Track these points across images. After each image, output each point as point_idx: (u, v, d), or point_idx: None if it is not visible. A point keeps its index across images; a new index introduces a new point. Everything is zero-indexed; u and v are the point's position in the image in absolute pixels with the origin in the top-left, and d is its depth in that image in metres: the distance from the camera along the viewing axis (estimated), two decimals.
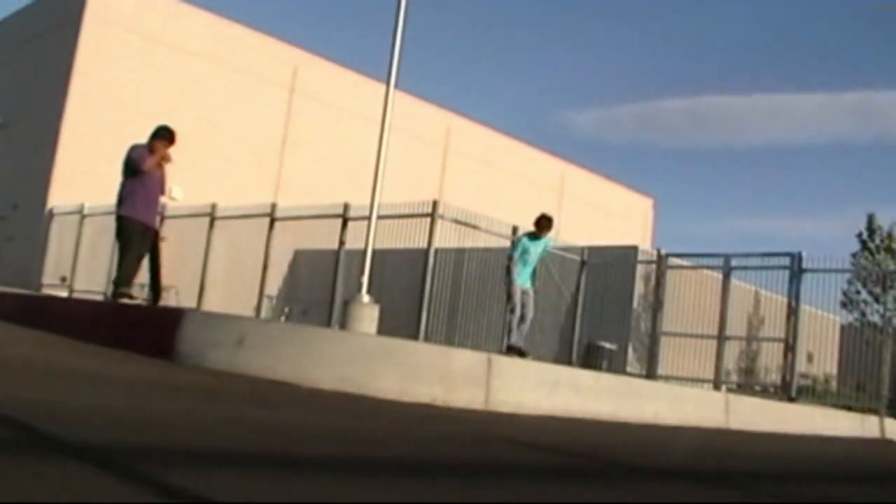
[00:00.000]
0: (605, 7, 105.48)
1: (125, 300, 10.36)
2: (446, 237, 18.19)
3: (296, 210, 21.85)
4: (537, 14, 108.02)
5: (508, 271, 14.17)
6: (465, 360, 8.77)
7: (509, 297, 14.19)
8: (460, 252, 19.31)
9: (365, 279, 13.69)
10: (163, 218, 25.02)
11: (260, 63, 34.81)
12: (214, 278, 23.56)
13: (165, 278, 11.35)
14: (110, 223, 25.63)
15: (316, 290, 20.58)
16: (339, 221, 19.96)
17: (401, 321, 16.93)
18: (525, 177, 41.74)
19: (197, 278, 23.29)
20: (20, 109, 33.20)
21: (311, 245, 21.48)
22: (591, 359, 18.42)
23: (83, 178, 29.15)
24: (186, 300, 21.72)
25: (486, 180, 39.08)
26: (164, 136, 10.94)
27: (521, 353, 13.16)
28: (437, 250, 17.77)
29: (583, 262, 20.11)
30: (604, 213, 43.99)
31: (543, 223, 14.23)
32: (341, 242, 19.83)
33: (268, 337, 8.63)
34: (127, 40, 31.39)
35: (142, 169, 10.73)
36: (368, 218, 14.32)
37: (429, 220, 17.79)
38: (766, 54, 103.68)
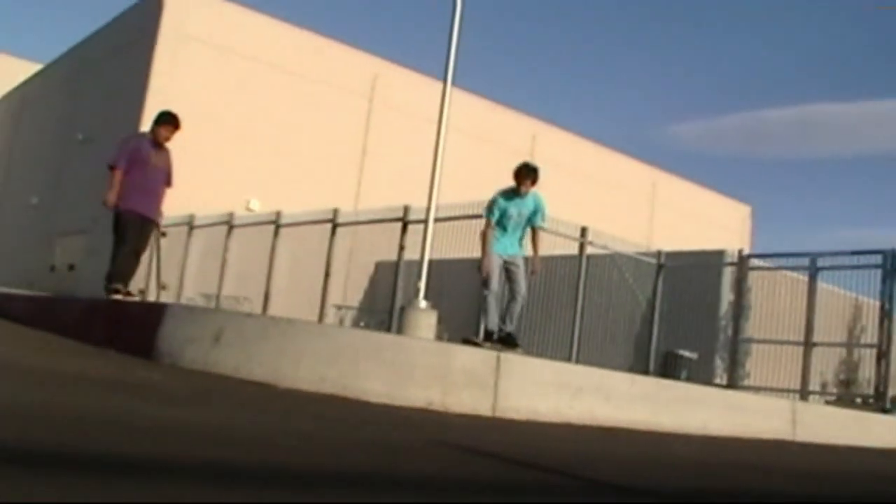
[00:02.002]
0: (709, 18, 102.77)
1: (117, 296, 9.54)
2: None
3: (357, 215, 21.07)
4: (639, 25, 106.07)
5: (483, 241, 10.83)
6: (468, 358, 7.63)
7: (481, 271, 10.73)
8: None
9: (422, 284, 12.78)
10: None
11: (338, 73, 34.28)
12: (280, 287, 22.95)
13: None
14: (182, 233, 25.58)
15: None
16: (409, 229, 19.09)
17: (459, 329, 15.92)
18: (615, 184, 40.28)
19: (263, 287, 22.77)
20: (101, 126, 33.37)
21: (388, 256, 20.66)
22: (668, 368, 17.21)
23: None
24: (255, 311, 21.12)
25: (574, 188, 37.73)
26: (166, 121, 10.14)
27: (507, 342, 10.31)
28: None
29: (660, 266, 18.68)
30: (698, 221, 42.06)
31: (524, 173, 10.52)
32: (401, 247, 18.93)
33: (244, 332, 7.65)
34: (202, 53, 31.20)
35: (110, 164, 10.18)
36: (425, 221, 13.47)
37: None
38: (876, 59, 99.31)
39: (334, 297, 21.47)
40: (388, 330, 17.04)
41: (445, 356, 7.54)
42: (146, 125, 30.21)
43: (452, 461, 4.34)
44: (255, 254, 22.85)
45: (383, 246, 20.49)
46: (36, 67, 42.30)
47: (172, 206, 26.49)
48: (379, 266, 23.41)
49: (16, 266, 36.45)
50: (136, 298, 9.80)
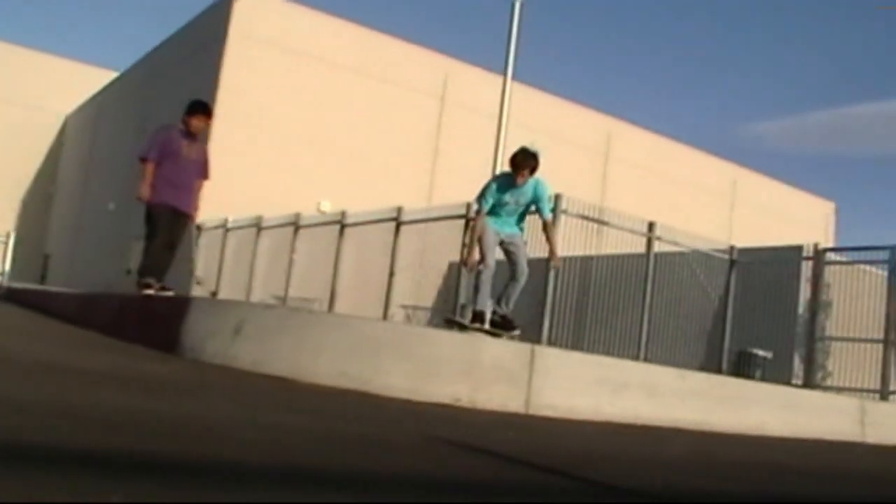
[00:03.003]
0: (793, 16, 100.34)
1: (149, 291, 9.26)
2: (574, 235, 16.49)
3: (421, 213, 20.69)
4: (721, 22, 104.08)
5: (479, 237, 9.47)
6: (499, 351, 7.17)
7: (466, 265, 9.85)
8: (587, 259, 17.48)
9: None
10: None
11: (408, 73, 34.02)
12: (345, 287, 22.68)
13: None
14: (251, 235, 25.54)
15: None
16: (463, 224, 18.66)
17: (522, 327, 15.44)
18: (694, 182, 39.25)
19: (329, 288, 22.55)
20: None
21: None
22: (742, 368, 16.46)
23: (229, 193, 29.22)
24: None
25: (651, 186, 36.91)
26: (196, 110, 9.86)
27: (503, 326, 9.11)
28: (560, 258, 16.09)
29: (732, 262, 17.89)
30: (780, 219, 40.70)
31: (521, 160, 9.05)
32: (464, 244, 18.48)
33: (264, 325, 7.27)
34: (272, 55, 31.21)
35: (141, 157, 9.73)
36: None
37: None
38: None
39: (403, 297, 21.11)
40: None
41: (474, 349, 7.07)
42: (216, 129, 30.60)
43: (462, 461, 3.90)
44: (321, 254, 22.65)
45: (455, 245, 20.07)
46: (112, 76, 42.94)
47: (240, 207, 26.72)
48: (452, 266, 23.00)
49: (95, 269, 36.97)
50: (171, 293, 9.49)
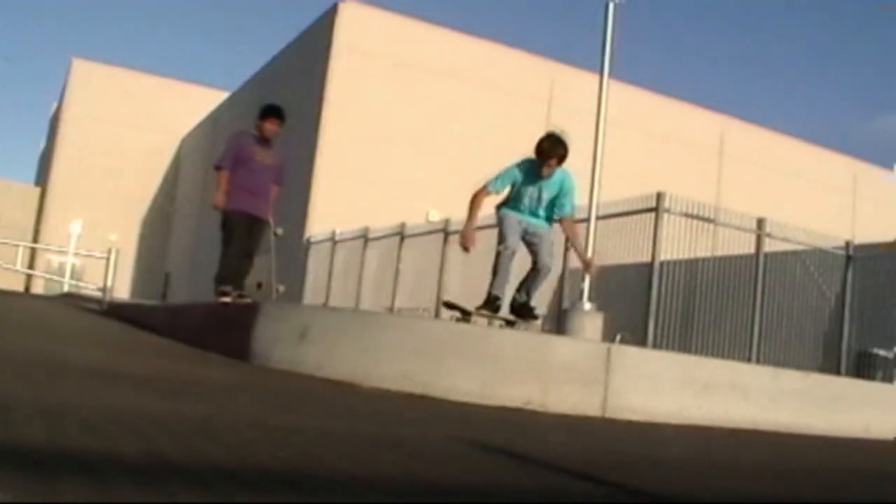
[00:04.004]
0: None
1: (226, 299, 9.16)
2: (679, 236, 15.88)
3: None
4: (838, 16, 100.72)
5: (498, 210, 8.51)
6: (572, 351, 6.78)
7: (462, 243, 8.40)
8: (692, 262, 16.81)
9: (586, 285, 12.00)
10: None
11: (514, 78, 33.70)
12: (452, 295, 22.40)
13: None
14: (359, 246, 25.65)
15: None
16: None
17: (626, 331, 14.95)
18: (812, 179, 37.78)
19: (435, 297, 22.40)
20: (283, 146, 34.04)
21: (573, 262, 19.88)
22: (862, 368, 15.64)
23: (337, 206, 29.51)
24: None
25: (769, 184, 35.65)
26: (268, 114, 9.75)
27: (521, 314, 8.35)
28: (664, 262, 15.50)
29: (848, 258, 16.99)
30: None
31: (547, 148, 7.95)
32: (567, 248, 18.08)
33: (328, 329, 7.05)
34: (375, 67, 31.29)
35: (216, 165, 9.79)
36: (587, 220, 12.76)
37: (653, 215, 15.60)
38: None
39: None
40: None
41: (544, 349, 6.70)
42: (323, 142, 30.88)
43: (493, 466, 3.55)
44: (427, 263, 22.54)
45: (560, 250, 19.69)
46: (224, 95, 43.82)
47: (348, 220, 26.94)
48: (570, 273, 22.58)
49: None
50: (249, 300, 9.38)
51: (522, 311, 8.42)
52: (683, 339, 16.31)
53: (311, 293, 28.38)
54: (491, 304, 8.24)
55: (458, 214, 23.29)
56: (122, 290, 42.59)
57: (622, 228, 16.05)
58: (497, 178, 8.38)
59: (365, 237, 25.60)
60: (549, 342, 6.96)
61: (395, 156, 30.98)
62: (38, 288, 39.83)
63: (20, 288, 36.85)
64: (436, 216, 30.05)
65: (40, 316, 11.48)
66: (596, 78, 13.00)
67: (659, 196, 15.56)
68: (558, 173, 8.14)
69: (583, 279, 9.84)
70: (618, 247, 16.00)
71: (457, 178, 31.26)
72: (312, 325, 7.10)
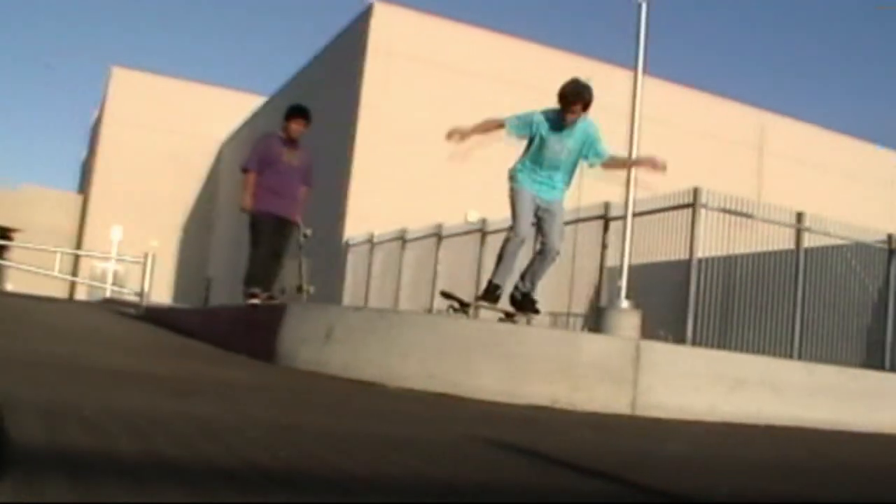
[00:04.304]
0: None
1: (254, 301, 9.13)
2: (716, 231, 15.66)
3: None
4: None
5: (512, 178, 7.89)
6: (600, 348, 6.65)
7: (513, 220, 7.73)
8: (729, 259, 16.56)
9: (623, 282, 11.89)
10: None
11: (550, 78, 33.25)
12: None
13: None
14: (396, 248, 25.64)
15: None
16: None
17: (664, 328, 14.77)
18: (855, 173, 37.19)
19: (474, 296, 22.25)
20: (319, 149, 34.14)
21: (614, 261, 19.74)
22: None
23: (375, 209, 29.52)
24: None
25: (811, 179, 35.14)
26: (294, 114, 9.68)
27: (523, 306, 7.90)
28: (702, 259, 15.29)
29: (891, 252, 16.66)
30: None
31: (570, 93, 7.40)
32: (604, 245, 17.93)
33: (353, 328, 6.97)
34: (410, 68, 31.25)
35: (242, 168, 9.74)
36: (623, 217, 12.70)
37: (690, 211, 15.40)
38: None
39: (550, 303, 20.65)
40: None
41: (572, 346, 6.58)
42: (359, 145, 30.89)
43: (507, 464, 3.46)
44: (465, 264, 22.46)
45: (598, 247, 19.53)
46: (262, 100, 43.99)
47: (386, 222, 26.98)
48: (607, 271, 22.38)
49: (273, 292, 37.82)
50: (277, 302, 9.34)
51: (524, 302, 7.94)
52: (722, 336, 16.08)
53: (350, 296, 28.45)
54: (490, 293, 7.86)
55: (497, 215, 23.28)
56: (164, 296, 42.96)
57: (659, 225, 15.87)
58: (516, 116, 7.90)
59: (402, 239, 25.58)
60: (576, 339, 6.87)
61: (432, 157, 30.82)
62: (81, 294, 40.20)
63: (64, 294, 37.22)
64: (475, 216, 29.95)
65: (74, 321, 11.54)
66: (631, 74, 12.95)
67: (695, 191, 15.36)
68: (581, 124, 7.59)
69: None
70: (655, 244, 15.83)
71: (494, 178, 31.24)
72: (337, 326, 7.03)
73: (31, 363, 5.08)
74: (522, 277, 7.96)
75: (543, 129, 7.64)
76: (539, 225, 7.80)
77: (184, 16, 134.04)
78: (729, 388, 6.63)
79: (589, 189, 31.14)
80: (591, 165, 7.88)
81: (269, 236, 9.30)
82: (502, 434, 4.43)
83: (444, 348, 6.49)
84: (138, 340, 9.41)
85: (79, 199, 55.06)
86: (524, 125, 7.77)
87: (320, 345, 7.06)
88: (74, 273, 38.24)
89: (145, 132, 49.79)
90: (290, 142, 9.55)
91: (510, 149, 27.89)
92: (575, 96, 7.41)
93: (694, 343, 14.52)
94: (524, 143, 8.00)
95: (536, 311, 8.05)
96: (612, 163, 8.09)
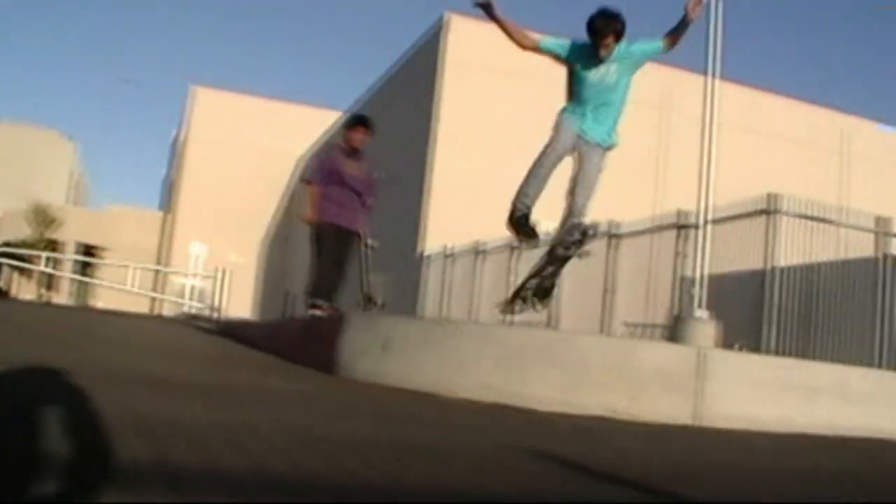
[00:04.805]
0: None
1: (317, 312, 9.09)
2: (794, 240, 15.22)
3: (634, 225, 19.89)
4: None
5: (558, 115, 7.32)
6: (661, 356, 6.44)
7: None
8: (810, 268, 16.08)
9: (697, 290, 11.64)
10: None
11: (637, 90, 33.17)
12: (566, 308, 22.07)
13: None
14: (473, 260, 25.56)
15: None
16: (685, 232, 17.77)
17: (741, 338, 14.39)
18: None
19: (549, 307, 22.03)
20: (397, 163, 34.31)
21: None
22: None
23: (451, 221, 29.48)
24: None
25: None
26: (354, 124, 9.64)
27: (573, 242, 7.50)
28: (780, 268, 14.87)
29: None
30: None
31: (600, 24, 6.66)
32: (677, 253, 17.61)
33: (410, 339, 6.88)
34: (485, 79, 31.17)
35: (306, 180, 9.78)
36: (696, 225, 12.46)
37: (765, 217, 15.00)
38: None
39: (627, 313, 20.36)
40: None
41: (631, 354, 6.39)
42: (436, 157, 30.89)
43: (541, 473, 3.31)
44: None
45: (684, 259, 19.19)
46: (338, 115, 44.37)
47: (463, 234, 26.95)
48: (684, 281, 21.98)
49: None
50: (340, 313, 9.29)
51: (573, 242, 7.56)
52: (802, 346, 15.61)
53: (429, 309, 28.45)
54: (520, 221, 7.48)
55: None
56: (244, 310, 43.49)
57: (737, 233, 15.51)
58: (552, 40, 7.26)
59: (479, 251, 25.49)
60: (636, 347, 6.65)
61: (508, 168, 30.66)
62: (165, 309, 40.95)
63: (148, 310, 37.92)
64: (551, 226, 29.72)
65: (145, 334, 11.66)
66: (718, 82, 12.69)
67: (771, 197, 14.95)
68: (616, 51, 6.83)
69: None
70: (733, 253, 15.48)
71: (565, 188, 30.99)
72: (393, 336, 6.95)
73: (103, 376, 5.07)
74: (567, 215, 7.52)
75: (580, 62, 7.01)
76: (579, 158, 7.29)
77: (260, 34, 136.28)
78: (800, 397, 6.36)
79: (668, 201, 30.90)
80: (661, 50, 7.07)
81: (332, 248, 9.26)
82: (547, 444, 4.27)
83: (500, 358, 6.35)
84: (203, 352, 9.47)
85: (160, 216, 56.21)
86: (558, 45, 7.14)
87: (378, 356, 6.98)
88: (159, 289, 39.02)
89: (225, 150, 50.65)
90: (353, 152, 9.50)
91: None
92: (604, 29, 6.68)
93: (773, 351, 14.13)
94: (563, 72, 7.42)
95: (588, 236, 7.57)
96: (673, 36, 6.92)
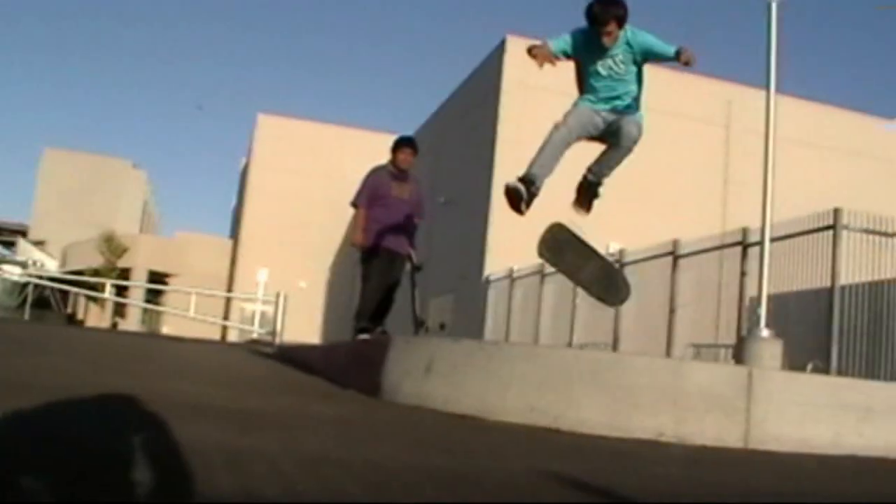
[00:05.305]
0: None
1: (365, 335, 9.06)
2: (860, 256, 14.81)
3: (696, 244, 19.60)
4: None
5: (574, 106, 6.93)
6: (708, 376, 6.27)
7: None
8: (877, 285, 15.61)
9: (762, 310, 11.39)
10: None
11: (691, 103, 32.82)
12: (628, 330, 21.79)
13: None
14: (535, 283, 25.42)
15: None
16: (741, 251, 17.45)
17: (806, 357, 14.05)
18: None
19: (611, 332, 21.84)
20: (459, 185, 34.35)
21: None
22: None
23: (515, 243, 29.33)
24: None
25: None
26: (401, 145, 9.62)
27: (586, 191, 7.32)
28: (846, 286, 14.49)
29: None
30: None
31: (599, 11, 6.30)
32: (742, 273, 17.29)
33: (452, 360, 6.78)
34: (546, 100, 30.94)
35: (352, 203, 9.67)
36: (760, 243, 12.26)
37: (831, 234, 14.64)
38: None
39: (690, 334, 20.04)
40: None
41: (677, 375, 6.22)
42: (498, 179, 30.84)
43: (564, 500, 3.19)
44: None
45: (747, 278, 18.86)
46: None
47: (525, 256, 26.85)
48: (748, 300, 21.59)
49: (398, 326, 38.15)
50: (389, 336, 9.25)
51: (589, 191, 7.31)
52: (871, 366, 15.19)
53: (491, 331, 28.35)
54: (525, 185, 6.88)
55: (635, 244, 22.75)
56: (313, 335, 43.79)
57: (801, 251, 15.17)
58: (559, 38, 6.65)
59: (541, 273, 25.31)
60: (682, 368, 6.47)
61: (571, 188, 30.59)
62: (232, 335, 41.37)
63: (216, 336, 38.29)
64: (615, 248, 29.40)
65: (199, 360, 11.72)
66: (780, 97, 12.40)
67: (836, 212, 14.58)
68: (621, 37, 6.46)
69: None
70: (798, 271, 15.14)
71: (634, 207, 30.66)
72: (437, 358, 6.86)
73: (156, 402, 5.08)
74: (590, 167, 7.14)
75: (585, 53, 6.62)
76: (609, 132, 6.80)
77: (322, 60, 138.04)
78: (857, 418, 6.13)
79: (736, 219, 30.33)
80: (670, 59, 6.51)
81: (379, 270, 9.24)
82: (579, 469, 4.15)
83: (544, 380, 6.23)
84: (250, 376, 9.47)
85: (230, 244, 56.95)
86: (565, 42, 6.59)
87: (421, 378, 6.90)
88: (227, 316, 39.42)
89: (290, 176, 51.20)
90: (399, 174, 9.48)
91: (649, 176, 27.29)
92: (604, 15, 6.32)
93: (840, 373, 13.76)
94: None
95: (596, 194, 7.32)
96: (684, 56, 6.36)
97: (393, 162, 9.51)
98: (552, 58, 6.46)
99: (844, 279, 14.48)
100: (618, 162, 6.93)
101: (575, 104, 6.88)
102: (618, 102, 6.73)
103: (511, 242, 29.39)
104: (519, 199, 6.92)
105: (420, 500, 2.86)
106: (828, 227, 14.59)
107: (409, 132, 43.00)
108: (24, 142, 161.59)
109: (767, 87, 12.25)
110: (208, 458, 3.09)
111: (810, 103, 32.33)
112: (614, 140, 6.72)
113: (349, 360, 9.13)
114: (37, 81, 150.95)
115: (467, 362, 6.67)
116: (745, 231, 17.17)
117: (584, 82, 6.83)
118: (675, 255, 19.92)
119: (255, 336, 27.39)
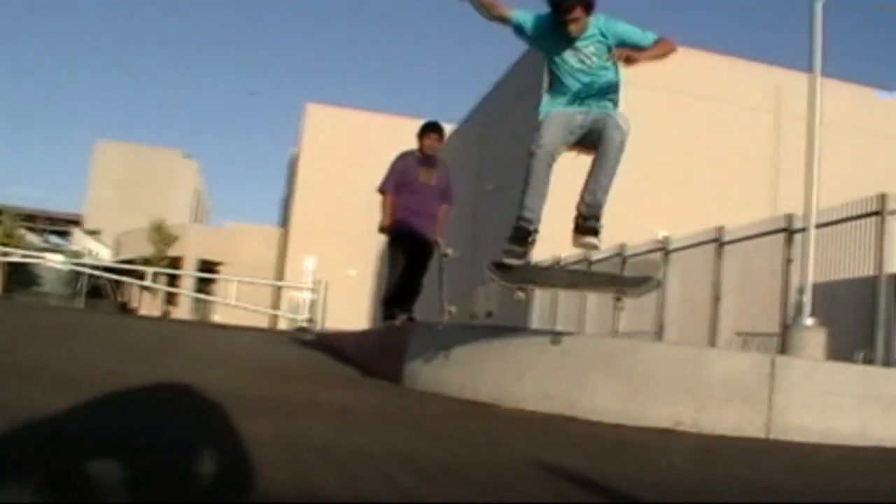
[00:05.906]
0: None
1: (392, 321, 9.02)
2: None
3: (741, 231, 19.30)
4: None
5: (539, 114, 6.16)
6: (729, 364, 6.11)
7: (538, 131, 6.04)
8: None
9: (807, 298, 11.20)
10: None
11: (739, 89, 32.37)
12: (672, 318, 21.55)
13: None
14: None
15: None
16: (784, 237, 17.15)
17: (854, 346, 13.76)
18: None
19: (657, 318, 21.60)
20: (506, 173, 34.23)
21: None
22: None
23: (561, 232, 29.16)
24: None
25: None
26: (427, 130, 9.48)
27: (585, 227, 6.46)
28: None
29: None
30: None
31: None
32: (788, 260, 16.99)
33: (471, 348, 6.71)
34: None
35: (379, 190, 9.43)
36: (804, 229, 12.09)
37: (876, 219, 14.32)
38: None
39: (736, 323, 19.74)
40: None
41: (697, 364, 6.08)
42: None
43: (555, 490, 3.11)
44: None
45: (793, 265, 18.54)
46: (450, 128, 44.59)
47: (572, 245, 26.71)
48: (792, 288, 21.22)
49: (425, 313, 38.23)
50: (416, 322, 9.18)
51: (585, 227, 6.45)
52: None
53: (538, 319, 28.23)
54: (523, 237, 6.43)
55: (683, 231, 22.40)
56: (362, 323, 43.93)
57: (848, 238, 14.83)
58: (523, 11, 5.93)
59: (588, 261, 25.10)
60: (701, 355, 6.33)
61: (617, 176, 30.32)
62: (281, 322, 41.63)
63: (263, 324, 38.57)
64: (662, 235, 29.09)
65: (235, 348, 11.77)
66: (827, 82, 12.10)
67: (882, 197, 14.23)
68: (592, 25, 5.75)
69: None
70: (844, 258, 14.82)
71: (680, 195, 30.34)
72: (454, 345, 6.79)
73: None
74: (582, 197, 6.37)
75: (549, 43, 5.89)
76: (593, 134, 5.98)
77: (371, 49, 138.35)
78: (884, 408, 5.94)
79: (785, 206, 29.84)
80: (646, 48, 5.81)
81: (407, 257, 9.16)
82: (579, 460, 4.05)
83: (560, 367, 6.13)
84: (276, 363, 9.44)
85: (279, 232, 57.32)
86: (524, 18, 5.89)
87: (440, 365, 6.85)
88: (277, 304, 39.66)
89: (339, 165, 51.36)
90: (427, 159, 9.38)
91: (696, 164, 26.98)
92: (566, 1, 5.56)
93: (887, 363, 13.45)
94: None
95: (595, 233, 6.46)
96: (658, 49, 5.83)
97: (420, 148, 9.41)
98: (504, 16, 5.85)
99: (893, 267, 14.15)
100: (611, 175, 6.16)
101: (546, 113, 6.07)
102: (592, 102, 6.00)
103: (557, 230, 29.22)
104: (530, 242, 6.55)
105: (391, 489, 2.78)
106: (874, 213, 14.24)
107: (457, 119, 43.07)
108: (77, 134, 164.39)
109: (811, 72, 12.02)
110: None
111: (860, 87, 31.67)
112: (598, 149, 6.02)
113: (377, 346, 9.11)
114: (89, 74, 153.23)
115: (484, 350, 6.60)
116: (789, 217, 16.81)
117: (553, 79, 6.09)
118: (719, 241, 19.58)
119: (301, 324, 27.63)
